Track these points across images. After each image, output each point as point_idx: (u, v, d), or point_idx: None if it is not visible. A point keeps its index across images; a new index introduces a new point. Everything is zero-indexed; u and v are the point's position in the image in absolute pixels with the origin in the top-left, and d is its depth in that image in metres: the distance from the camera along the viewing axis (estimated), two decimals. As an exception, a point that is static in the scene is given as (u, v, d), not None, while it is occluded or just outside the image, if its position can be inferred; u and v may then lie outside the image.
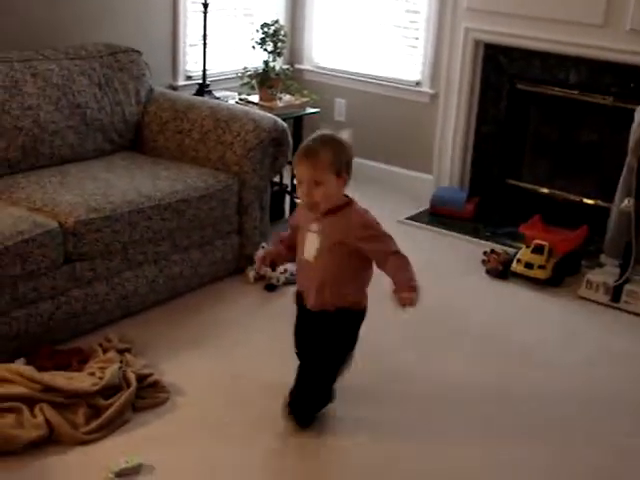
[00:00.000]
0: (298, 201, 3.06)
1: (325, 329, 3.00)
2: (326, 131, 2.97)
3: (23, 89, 3.86)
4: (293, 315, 3.90)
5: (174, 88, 5.03)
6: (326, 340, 3.00)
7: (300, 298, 3.09)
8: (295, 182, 2.99)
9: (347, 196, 2.97)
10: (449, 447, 2.99)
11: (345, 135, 3.02)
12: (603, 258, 4.27)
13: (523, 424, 3.16)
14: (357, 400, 3.22)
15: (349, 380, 3.16)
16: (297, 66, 5.77)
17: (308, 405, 3.03)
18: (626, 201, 4.04)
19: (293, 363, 3.48)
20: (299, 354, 3.13)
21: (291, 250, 3.07)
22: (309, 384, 3.02)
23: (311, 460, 2.90)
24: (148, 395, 3.13)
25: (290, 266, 4.16)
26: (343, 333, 3.02)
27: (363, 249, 2.89)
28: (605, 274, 4.19)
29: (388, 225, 4.93)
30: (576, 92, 4.85)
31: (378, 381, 3.39)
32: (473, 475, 2.86)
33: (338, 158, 2.85)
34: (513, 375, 3.51)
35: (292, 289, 4.06)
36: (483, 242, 4.79)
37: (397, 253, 2.90)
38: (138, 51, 4.41)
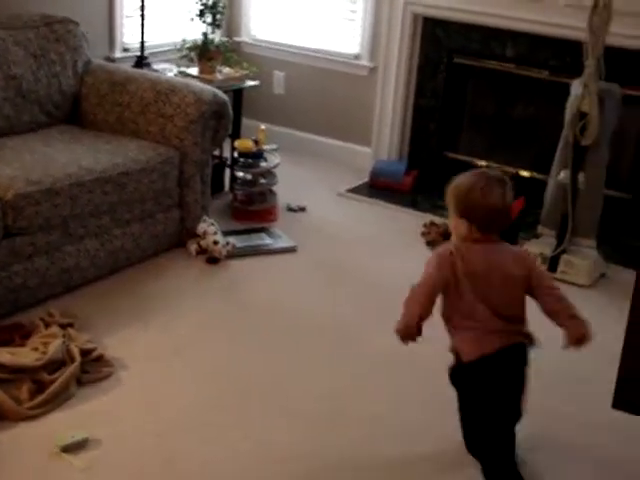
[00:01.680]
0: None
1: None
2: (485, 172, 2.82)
3: (-44, 59, 3.78)
4: (235, 288, 3.93)
5: (111, 60, 4.96)
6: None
7: None
8: None
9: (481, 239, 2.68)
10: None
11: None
12: (540, 229, 4.35)
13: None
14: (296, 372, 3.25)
15: (296, 355, 3.18)
16: (235, 39, 5.72)
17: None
18: (562, 173, 4.13)
19: (234, 335, 3.50)
20: None
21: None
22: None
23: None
24: (92, 370, 3.11)
25: (232, 239, 4.17)
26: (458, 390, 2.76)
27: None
28: (542, 245, 4.28)
29: (328, 197, 5.06)
30: (513, 66, 4.92)
31: (323, 354, 3.42)
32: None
33: (457, 202, 2.66)
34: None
35: (234, 262, 4.10)
36: (422, 214, 4.84)
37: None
38: (75, 21, 4.32)
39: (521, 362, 2.69)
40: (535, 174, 4.98)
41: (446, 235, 4.40)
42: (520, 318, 2.71)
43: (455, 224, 2.69)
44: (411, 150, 5.37)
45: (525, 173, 5.07)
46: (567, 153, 4.10)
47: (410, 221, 4.74)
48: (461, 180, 2.69)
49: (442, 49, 5.09)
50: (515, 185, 2.72)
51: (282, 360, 3.36)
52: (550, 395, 3.23)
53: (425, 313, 2.59)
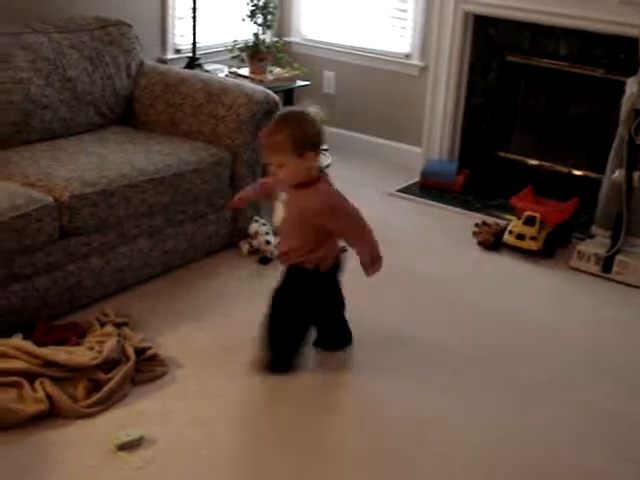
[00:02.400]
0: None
1: (288, 283, 3.18)
2: (290, 109, 3.09)
3: (13, 62, 3.83)
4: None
5: (163, 62, 5.01)
6: (291, 295, 3.17)
7: None
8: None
9: (322, 171, 3.06)
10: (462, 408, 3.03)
11: (313, 109, 3.06)
12: (594, 229, 4.30)
13: (516, 389, 3.20)
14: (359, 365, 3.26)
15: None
16: (286, 39, 5.74)
17: (284, 351, 3.21)
18: (617, 172, 4.08)
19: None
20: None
21: (269, 197, 3.24)
22: (284, 334, 3.19)
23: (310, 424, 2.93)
24: (146, 368, 3.14)
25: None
26: (299, 290, 3.16)
27: (327, 227, 3.03)
28: (596, 245, 4.23)
29: (378, 197, 5.05)
30: (566, 64, 4.85)
31: (378, 348, 3.43)
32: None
33: (299, 139, 2.90)
34: (507, 344, 3.54)
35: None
36: (474, 214, 4.81)
37: (361, 228, 3.09)
38: (128, 24, 4.37)
39: None
40: (589, 173, 4.92)
41: (498, 235, 4.38)
42: None
43: (304, 164, 2.93)
44: (462, 149, 5.34)
45: (578, 172, 5.01)
46: (622, 152, 4.04)
47: (461, 221, 4.72)
48: (299, 115, 2.99)
49: (493, 47, 5.05)
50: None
51: (333, 360, 3.36)
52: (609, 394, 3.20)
53: None
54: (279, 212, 3.10)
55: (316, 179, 3.02)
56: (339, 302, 3.33)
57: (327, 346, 3.36)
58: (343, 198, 3.08)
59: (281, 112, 3.07)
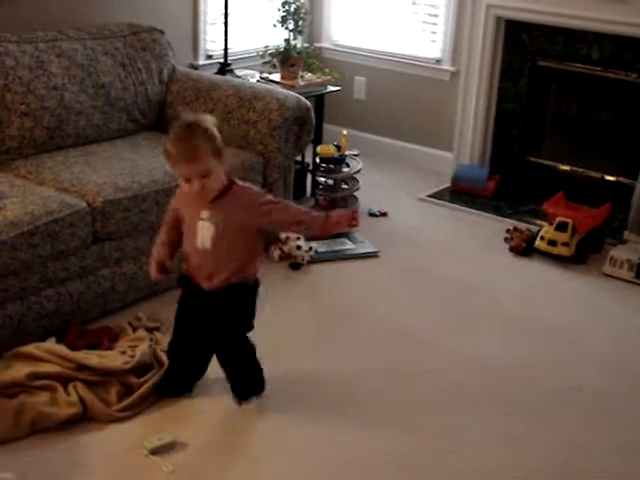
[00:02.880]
0: (179, 190, 2.92)
1: (225, 305, 2.93)
2: (184, 117, 2.85)
3: (48, 69, 3.87)
4: (317, 293, 3.94)
5: (195, 67, 5.03)
6: (228, 316, 2.96)
7: (187, 281, 2.97)
8: (181, 178, 2.77)
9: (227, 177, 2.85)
10: (476, 425, 3.02)
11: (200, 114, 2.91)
12: (627, 235, 4.27)
13: (549, 399, 3.18)
14: (382, 379, 3.25)
15: (379, 361, 3.19)
16: (316, 44, 5.75)
17: (251, 383, 3.05)
18: (651, 178, 4.05)
19: (319, 341, 3.52)
20: (183, 337, 3.04)
21: (173, 245, 2.98)
22: (242, 366, 3.03)
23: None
24: (178, 373, 3.16)
25: (315, 244, 4.19)
26: (241, 307, 2.99)
27: (264, 224, 2.92)
28: (629, 251, 4.20)
29: (409, 202, 5.05)
30: (598, 69, 4.82)
31: (407, 360, 3.41)
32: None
33: (214, 139, 2.73)
34: (540, 352, 3.52)
35: (316, 267, 4.12)
36: (505, 219, 4.79)
37: (287, 207, 2.95)
38: (160, 30, 4.41)
39: None
40: (621, 179, 4.88)
41: (530, 240, 4.36)
42: None
43: (223, 167, 2.79)
44: (493, 155, 5.31)
45: (611, 178, 4.97)
46: (655, 157, 4.02)
47: (492, 226, 4.70)
48: (200, 119, 2.78)
49: (525, 52, 5.02)
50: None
51: (364, 366, 3.36)
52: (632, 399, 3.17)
53: None
54: (205, 231, 2.83)
55: (230, 184, 2.84)
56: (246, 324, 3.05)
57: (239, 393, 3.04)
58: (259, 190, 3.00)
59: (178, 123, 2.79)
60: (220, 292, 2.90)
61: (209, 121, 2.77)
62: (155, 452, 2.73)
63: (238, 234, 2.85)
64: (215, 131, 2.75)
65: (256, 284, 3.01)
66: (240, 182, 2.90)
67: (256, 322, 3.58)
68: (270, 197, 2.93)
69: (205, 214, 2.82)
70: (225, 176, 2.83)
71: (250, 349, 3.03)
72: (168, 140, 2.77)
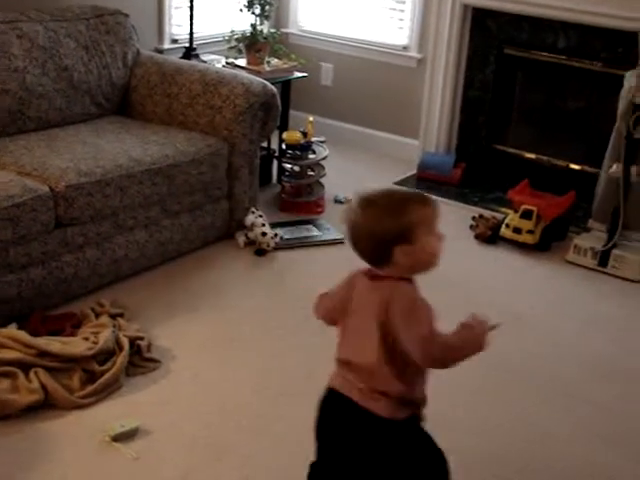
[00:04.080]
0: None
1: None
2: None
3: (9, 51, 3.80)
4: (283, 280, 3.92)
5: (160, 51, 4.98)
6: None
7: None
8: (434, 236, 2.15)
9: None
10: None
11: None
12: (590, 223, 4.30)
13: (509, 382, 3.20)
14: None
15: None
16: (283, 30, 5.71)
17: None
18: (615, 166, 4.07)
19: (283, 325, 3.50)
20: None
21: None
22: None
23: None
24: (141, 359, 3.13)
25: (280, 231, 4.17)
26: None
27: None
28: (593, 239, 4.22)
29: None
30: (564, 57, 4.84)
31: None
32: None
33: None
34: (503, 338, 3.52)
35: (282, 254, 4.10)
36: (471, 207, 4.81)
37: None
38: (125, 13, 4.35)
39: None
40: (586, 167, 4.91)
41: (495, 228, 4.38)
42: None
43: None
44: (459, 142, 5.32)
45: (576, 166, 5.00)
46: (620, 146, 4.03)
47: (458, 214, 4.71)
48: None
49: (492, 40, 5.03)
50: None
51: (330, 350, 3.34)
52: (606, 390, 3.20)
53: None
54: None
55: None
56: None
57: None
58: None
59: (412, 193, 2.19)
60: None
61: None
62: (118, 439, 2.71)
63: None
64: None
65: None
66: None
67: (222, 307, 3.59)
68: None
69: None
70: None
71: None
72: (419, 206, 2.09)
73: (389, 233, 2.01)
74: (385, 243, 2.01)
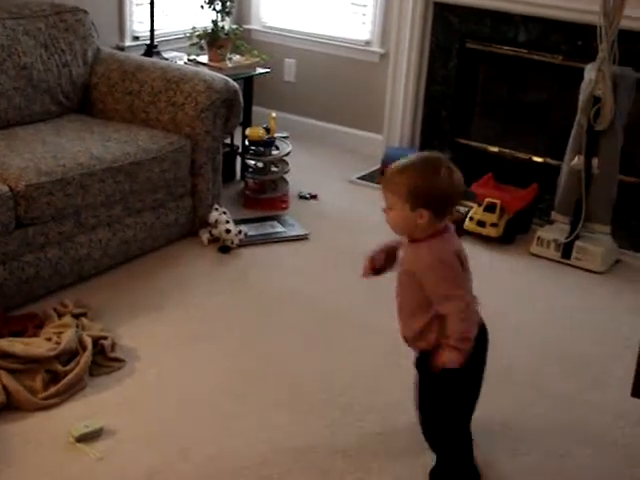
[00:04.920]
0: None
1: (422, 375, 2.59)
2: (432, 154, 2.47)
3: (-34, 50, 3.76)
4: (247, 277, 3.92)
5: (121, 49, 4.94)
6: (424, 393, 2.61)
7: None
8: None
9: (440, 231, 2.40)
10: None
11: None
12: (553, 215, 4.32)
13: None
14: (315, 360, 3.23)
15: (310, 343, 3.16)
16: (245, 26, 5.69)
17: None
18: (576, 159, 4.10)
19: (247, 322, 3.49)
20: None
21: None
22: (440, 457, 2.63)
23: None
24: (105, 359, 3.10)
25: (244, 227, 4.16)
26: (429, 385, 2.57)
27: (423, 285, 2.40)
28: (556, 231, 4.25)
29: (339, 185, 5.04)
30: (525, 51, 4.87)
31: (339, 340, 3.41)
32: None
33: (414, 189, 2.30)
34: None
35: (246, 251, 4.09)
36: (435, 201, 4.81)
37: (451, 299, 2.40)
38: (84, 10, 4.31)
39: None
40: (548, 160, 4.94)
41: (459, 221, 4.39)
42: None
43: (415, 218, 2.33)
44: (423, 137, 5.34)
45: (538, 159, 5.03)
46: (581, 138, 4.06)
47: (422, 208, 4.71)
48: (418, 165, 2.37)
49: (454, 34, 5.04)
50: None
51: (295, 348, 3.35)
52: (568, 381, 3.22)
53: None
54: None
55: (432, 235, 2.38)
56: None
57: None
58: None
59: (422, 155, 2.49)
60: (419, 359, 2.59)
61: (434, 172, 2.35)
62: (82, 439, 2.68)
63: (409, 283, 2.47)
64: (426, 185, 2.32)
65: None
66: (437, 242, 2.41)
67: (187, 305, 3.57)
68: (449, 273, 2.44)
69: (400, 252, 2.58)
70: (430, 230, 2.39)
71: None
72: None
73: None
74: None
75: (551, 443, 2.87)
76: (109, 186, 3.62)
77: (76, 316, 3.28)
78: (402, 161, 2.39)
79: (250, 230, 4.21)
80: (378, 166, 5.25)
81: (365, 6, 5.40)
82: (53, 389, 2.87)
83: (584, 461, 2.79)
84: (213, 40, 4.81)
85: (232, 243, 4.06)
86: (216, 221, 4.07)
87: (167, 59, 4.81)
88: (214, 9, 4.88)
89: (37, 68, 4.02)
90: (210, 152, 4.11)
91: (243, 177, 4.82)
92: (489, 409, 2.99)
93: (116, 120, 4.15)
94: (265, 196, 4.63)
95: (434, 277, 2.38)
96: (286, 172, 4.69)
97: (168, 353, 3.23)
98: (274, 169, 4.68)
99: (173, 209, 4.01)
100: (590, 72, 4.01)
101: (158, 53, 4.91)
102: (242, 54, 4.98)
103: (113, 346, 3.17)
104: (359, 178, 5.14)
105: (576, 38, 4.58)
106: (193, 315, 3.52)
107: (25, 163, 3.45)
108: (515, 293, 3.90)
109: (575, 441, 2.89)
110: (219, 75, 4.22)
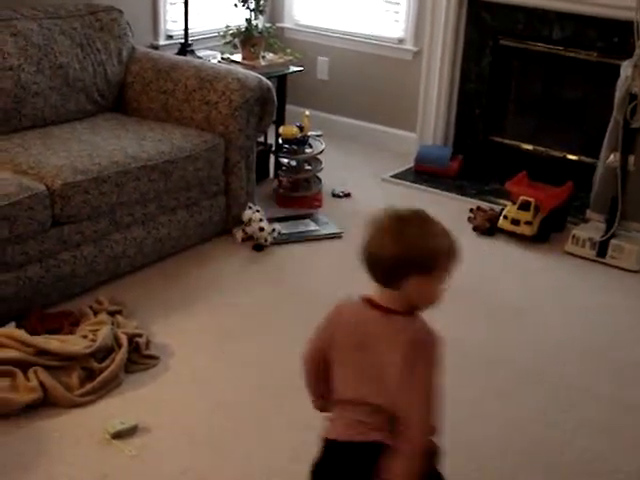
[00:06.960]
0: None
1: None
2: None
3: (3, 49, 3.78)
4: (281, 275, 3.92)
5: (155, 48, 4.96)
6: None
7: None
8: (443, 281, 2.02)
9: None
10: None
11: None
12: (589, 213, 4.29)
13: (506, 372, 3.20)
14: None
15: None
16: (278, 24, 5.70)
17: None
18: (612, 156, 4.06)
19: (281, 320, 3.49)
20: None
21: None
22: None
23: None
24: (140, 356, 3.13)
25: (278, 225, 4.16)
26: None
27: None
28: (591, 229, 4.22)
29: (373, 183, 5.03)
30: (560, 48, 4.83)
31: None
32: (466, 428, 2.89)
33: None
34: (504, 333, 3.53)
35: (279, 249, 4.10)
36: (468, 199, 4.80)
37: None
38: (119, 10, 4.34)
39: None
40: (583, 158, 4.91)
41: (493, 220, 4.37)
42: None
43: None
44: (456, 135, 5.32)
45: (573, 157, 5.00)
46: (617, 136, 4.02)
47: (456, 206, 4.70)
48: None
49: (487, 31, 5.02)
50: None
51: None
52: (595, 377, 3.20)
53: None
54: None
55: None
56: None
57: None
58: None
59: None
60: None
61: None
62: (117, 436, 2.71)
63: None
64: None
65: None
66: None
67: (221, 303, 3.58)
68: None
69: None
70: None
71: None
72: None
73: (415, 258, 1.89)
74: (405, 267, 1.90)
75: (586, 442, 2.84)
76: (144, 184, 3.64)
77: (111, 313, 3.30)
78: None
79: (283, 228, 4.22)
80: (411, 164, 5.24)
81: (398, 4, 5.39)
82: (89, 386, 2.90)
83: None
84: (246, 38, 4.82)
85: (265, 241, 4.07)
86: (250, 219, 4.08)
87: (201, 58, 4.82)
88: (247, 7, 4.89)
89: (73, 67, 4.05)
90: (244, 150, 4.12)
91: (276, 175, 4.83)
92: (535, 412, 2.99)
93: (150, 119, 4.18)
94: (298, 194, 4.63)
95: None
96: (319, 170, 4.69)
97: (202, 351, 3.25)
98: (307, 167, 4.68)
99: (207, 207, 4.02)
100: (626, 69, 3.97)
101: (192, 52, 4.93)
102: (275, 52, 4.99)
103: (148, 344, 3.19)
104: (392, 176, 5.13)
105: (612, 34, 4.54)
106: (226, 313, 3.53)
107: (61, 162, 3.48)
108: (550, 292, 3.87)
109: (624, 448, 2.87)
110: (252, 73, 4.23)
